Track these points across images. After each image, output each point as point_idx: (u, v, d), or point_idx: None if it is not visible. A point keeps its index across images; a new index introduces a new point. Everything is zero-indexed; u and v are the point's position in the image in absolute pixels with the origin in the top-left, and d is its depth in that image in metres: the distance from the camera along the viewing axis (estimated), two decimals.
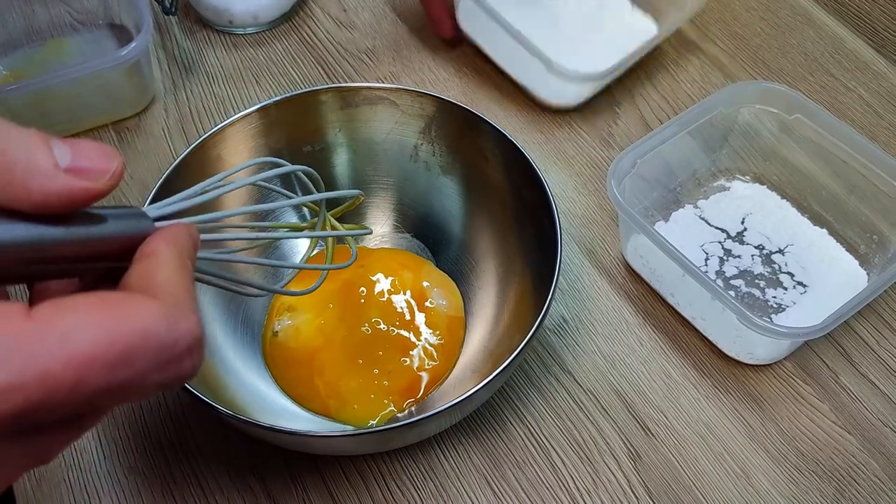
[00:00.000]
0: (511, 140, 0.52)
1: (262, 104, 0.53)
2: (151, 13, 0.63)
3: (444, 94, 0.55)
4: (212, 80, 0.69)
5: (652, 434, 0.51)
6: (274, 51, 0.71)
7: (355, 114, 0.56)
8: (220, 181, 0.35)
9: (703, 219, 0.60)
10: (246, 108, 0.54)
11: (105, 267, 0.28)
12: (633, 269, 0.58)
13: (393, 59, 0.71)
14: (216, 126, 0.53)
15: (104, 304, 0.24)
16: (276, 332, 0.54)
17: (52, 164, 0.25)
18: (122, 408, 0.52)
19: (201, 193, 0.33)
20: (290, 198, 0.42)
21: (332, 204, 0.46)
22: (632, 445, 0.50)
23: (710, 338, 0.54)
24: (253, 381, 0.52)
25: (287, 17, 0.73)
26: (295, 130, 0.55)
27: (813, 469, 0.49)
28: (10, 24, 0.69)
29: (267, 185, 0.41)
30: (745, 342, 0.52)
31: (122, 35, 0.70)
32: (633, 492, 0.49)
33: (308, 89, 0.55)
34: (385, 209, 0.59)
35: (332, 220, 0.45)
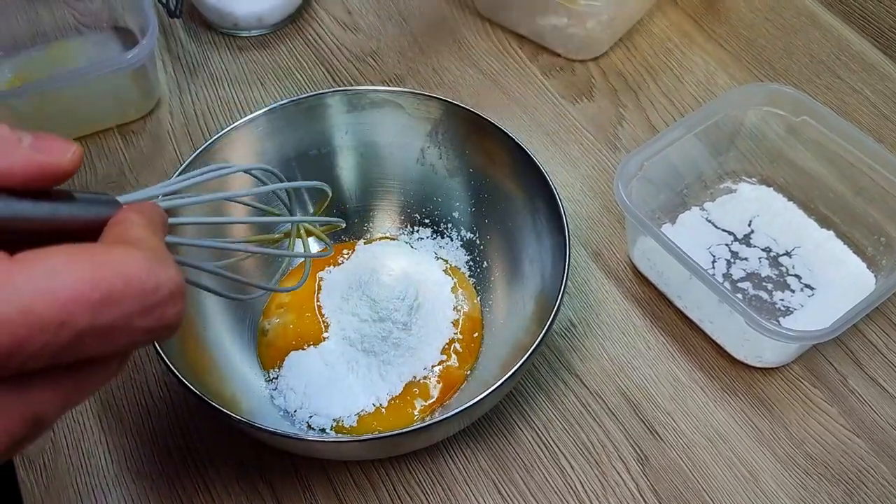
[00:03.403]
0: (518, 142, 0.52)
1: (269, 107, 0.53)
2: (156, 16, 0.63)
3: (449, 97, 0.55)
4: (217, 83, 0.69)
5: (660, 437, 0.51)
6: (278, 53, 0.71)
7: (362, 117, 0.56)
8: (194, 177, 0.36)
9: (709, 221, 0.60)
10: (251, 112, 0.54)
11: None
12: (640, 272, 0.58)
13: (398, 61, 0.70)
14: (222, 130, 0.53)
15: (86, 250, 0.24)
16: (266, 331, 0.54)
17: (14, 138, 0.26)
18: (130, 411, 0.52)
19: (173, 185, 0.34)
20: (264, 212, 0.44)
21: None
22: (640, 449, 0.50)
23: (718, 341, 0.54)
24: (259, 385, 0.52)
25: (292, 20, 0.73)
26: (301, 134, 0.55)
27: (822, 472, 0.49)
28: (14, 26, 0.69)
29: (245, 202, 0.42)
30: (753, 345, 0.52)
31: (127, 38, 0.70)
32: (641, 495, 0.49)
33: (315, 93, 0.55)
34: (391, 212, 0.58)
35: (304, 233, 0.45)
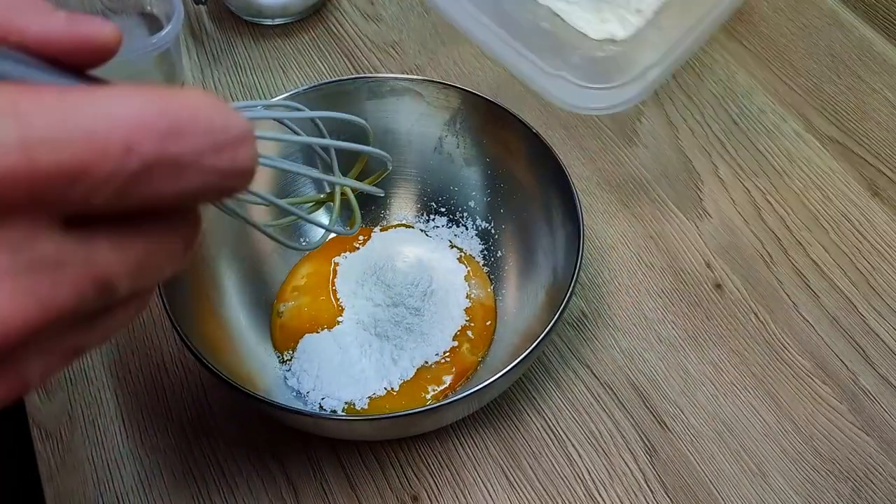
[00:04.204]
0: (536, 134, 0.52)
1: (291, 92, 0.54)
2: (182, 2, 0.64)
3: (469, 87, 0.56)
4: (240, 70, 0.70)
5: (668, 429, 0.51)
6: (301, 42, 0.72)
7: (381, 105, 0.56)
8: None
9: None
10: (273, 98, 0.54)
11: None
12: (655, 264, 0.58)
13: (419, 52, 0.71)
14: (245, 114, 0.53)
15: (146, 87, 0.22)
16: (281, 312, 0.54)
17: (49, 6, 0.23)
18: (146, 388, 0.53)
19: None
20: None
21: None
22: (648, 440, 0.51)
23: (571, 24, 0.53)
24: (273, 367, 0.52)
25: (315, 9, 0.74)
26: (322, 120, 0.56)
27: (829, 469, 0.49)
28: None
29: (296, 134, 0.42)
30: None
31: (153, 24, 0.71)
32: (648, 486, 0.49)
33: (336, 79, 0.56)
34: (408, 200, 0.59)
35: (349, 186, 0.43)
